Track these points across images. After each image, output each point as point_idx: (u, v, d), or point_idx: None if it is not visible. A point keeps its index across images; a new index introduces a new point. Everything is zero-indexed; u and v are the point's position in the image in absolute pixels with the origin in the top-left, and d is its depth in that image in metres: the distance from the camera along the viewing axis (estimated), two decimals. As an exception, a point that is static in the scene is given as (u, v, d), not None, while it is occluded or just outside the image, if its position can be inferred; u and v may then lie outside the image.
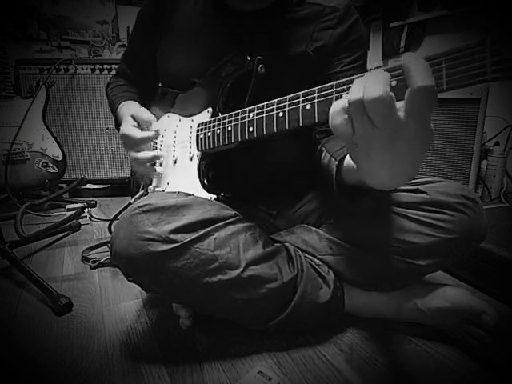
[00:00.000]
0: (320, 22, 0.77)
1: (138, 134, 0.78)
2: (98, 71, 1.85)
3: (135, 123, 0.81)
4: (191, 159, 0.80)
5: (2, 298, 0.93)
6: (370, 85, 0.38)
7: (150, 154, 0.80)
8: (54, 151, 1.67)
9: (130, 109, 0.85)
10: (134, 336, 0.77)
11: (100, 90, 1.87)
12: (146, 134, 0.78)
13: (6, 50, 1.61)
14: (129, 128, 0.79)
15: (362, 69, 0.80)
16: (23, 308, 0.88)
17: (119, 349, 0.73)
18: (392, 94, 0.38)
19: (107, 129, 1.90)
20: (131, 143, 0.80)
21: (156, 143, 0.88)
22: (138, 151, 0.80)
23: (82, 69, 1.84)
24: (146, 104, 0.93)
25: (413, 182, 0.77)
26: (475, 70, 0.37)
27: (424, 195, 0.73)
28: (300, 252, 0.78)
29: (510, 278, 0.90)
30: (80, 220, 1.33)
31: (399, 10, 2.34)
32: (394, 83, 0.41)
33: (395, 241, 0.73)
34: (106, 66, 1.86)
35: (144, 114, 0.81)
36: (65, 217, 1.25)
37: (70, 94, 1.85)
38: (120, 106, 0.90)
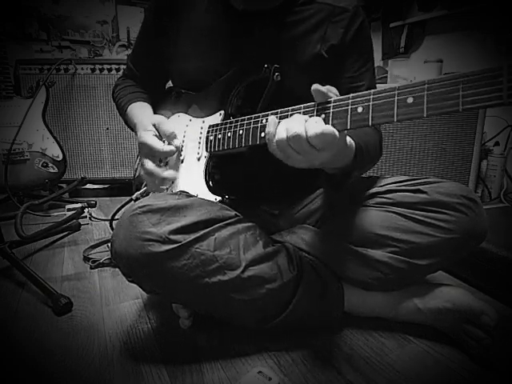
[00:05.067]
0: (331, 22, 0.77)
1: (162, 147, 0.76)
2: (98, 71, 1.85)
3: (156, 133, 0.79)
4: (199, 160, 0.80)
5: (2, 298, 0.93)
6: (290, 126, 0.53)
7: (166, 173, 0.78)
8: (54, 151, 1.67)
9: (149, 115, 0.84)
10: (133, 336, 0.77)
11: (100, 90, 1.86)
12: (169, 148, 0.76)
13: (5, 49, 1.61)
14: (152, 139, 0.77)
15: (371, 71, 0.82)
16: (23, 308, 0.88)
17: (119, 349, 0.73)
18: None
19: (107, 129, 1.90)
20: (152, 154, 0.78)
21: (164, 142, 0.88)
22: (154, 161, 0.79)
23: (82, 69, 1.84)
24: (154, 104, 0.93)
25: (413, 182, 0.77)
26: (491, 93, 0.38)
27: (424, 195, 0.73)
28: (300, 252, 0.78)
29: (510, 278, 0.90)
30: (80, 220, 1.33)
31: (399, 10, 2.34)
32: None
33: (395, 240, 0.73)
34: (105, 66, 1.86)
35: (167, 125, 0.78)
36: (65, 217, 1.25)
37: (69, 93, 1.85)
38: (130, 107, 0.90)
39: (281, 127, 0.54)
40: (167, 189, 0.84)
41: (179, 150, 0.80)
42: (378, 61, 2.56)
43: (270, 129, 0.56)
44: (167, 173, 0.78)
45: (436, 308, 0.74)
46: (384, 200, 0.77)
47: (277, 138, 0.54)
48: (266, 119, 0.63)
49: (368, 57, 0.82)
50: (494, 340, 0.68)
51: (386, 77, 2.21)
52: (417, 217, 0.72)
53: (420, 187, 0.75)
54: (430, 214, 0.72)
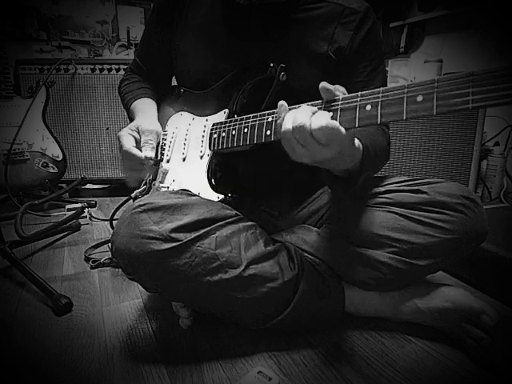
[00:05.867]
0: (340, 23, 0.76)
1: (129, 147, 0.78)
2: (98, 71, 1.85)
3: (136, 135, 0.81)
4: (201, 158, 0.80)
5: (2, 298, 0.92)
6: (297, 116, 0.52)
7: (145, 153, 0.79)
8: (54, 151, 1.67)
9: (146, 116, 0.87)
10: (133, 336, 0.77)
11: (100, 90, 1.86)
12: (136, 152, 0.78)
13: (5, 50, 1.61)
14: (126, 138, 0.80)
15: (382, 72, 0.81)
16: (23, 308, 0.88)
17: (119, 349, 0.73)
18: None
19: (107, 129, 1.90)
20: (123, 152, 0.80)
21: (165, 140, 0.89)
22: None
23: (82, 69, 1.84)
24: (159, 100, 0.95)
25: (413, 182, 0.77)
26: (501, 91, 0.38)
27: (424, 195, 0.73)
28: (300, 251, 0.78)
29: (510, 278, 0.90)
30: (80, 220, 1.33)
31: (399, 10, 2.33)
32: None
33: (395, 241, 0.73)
34: (106, 66, 1.86)
35: (146, 136, 0.81)
36: (65, 217, 1.25)
37: (69, 93, 1.85)
38: (134, 104, 0.91)
39: (288, 117, 0.53)
40: (168, 187, 0.84)
41: (151, 158, 0.80)
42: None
43: (280, 113, 0.55)
44: (147, 152, 0.79)
45: (436, 308, 0.74)
46: (384, 200, 0.77)
47: (283, 128, 0.53)
48: (272, 117, 0.63)
49: (379, 60, 0.81)
50: (494, 340, 0.68)
51: (386, 77, 2.21)
52: (417, 217, 0.72)
53: (420, 187, 0.75)
54: (429, 214, 0.72)
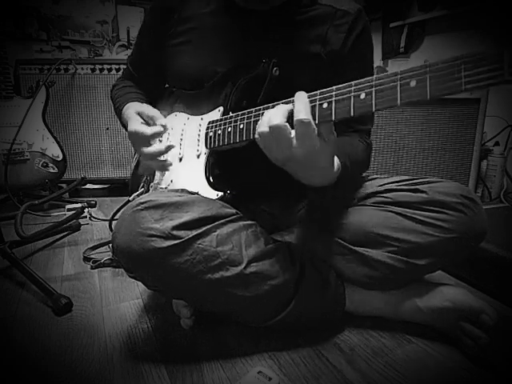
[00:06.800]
0: (332, 25, 0.77)
1: (147, 129, 0.77)
2: (98, 71, 1.85)
3: (142, 120, 0.80)
4: (198, 157, 0.80)
5: (2, 298, 0.93)
6: (272, 117, 0.55)
7: (164, 145, 0.77)
8: (54, 151, 1.67)
9: (136, 108, 0.85)
10: (133, 336, 0.77)
11: (100, 90, 1.86)
12: (155, 129, 0.77)
13: (6, 49, 1.61)
14: (137, 125, 0.78)
15: (372, 70, 0.83)
16: (23, 308, 0.88)
17: (119, 349, 0.73)
18: (286, 124, 0.54)
19: (107, 129, 1.90)
20: (141, 140, 0.78)
21: (161, 141, 0.88)
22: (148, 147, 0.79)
23: (82, 69, 1.84)
24: (152, 105, 0.93)
25: (412, 181, 0.77)
26: (493, 71, 0.39)
27: (423, 195, 0.73)
28: (301, 250, 0.78)
29: (510, 278, 0.90)
30: (80, 220, 1.33)
31: (399, 10, 2.33)
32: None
33: (394, 240, 0.73)
34: (106, 66, 1.86)
35: (149, 110, 0.80)
36: (65, 217, 1.25)
37: (70, 94, 1.85)
38: (125, 107, 0.89)
39: (264, 118, 0.57)
40: (166, 188, 0.84)
41: (167, 129, 0.78)
42: (378, 61, 2.55)
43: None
44: (154, 128, 0.77)
45: (436, 307, 0.74)
46: (383, 199, 0.77)
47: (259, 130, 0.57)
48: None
49: (369, 62, 0.82)
50: (492, 339, 0.68)
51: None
52: (416, 216, 0.72)
53: (419, 187, 0.75)
54: (429, 213, 0.72)
